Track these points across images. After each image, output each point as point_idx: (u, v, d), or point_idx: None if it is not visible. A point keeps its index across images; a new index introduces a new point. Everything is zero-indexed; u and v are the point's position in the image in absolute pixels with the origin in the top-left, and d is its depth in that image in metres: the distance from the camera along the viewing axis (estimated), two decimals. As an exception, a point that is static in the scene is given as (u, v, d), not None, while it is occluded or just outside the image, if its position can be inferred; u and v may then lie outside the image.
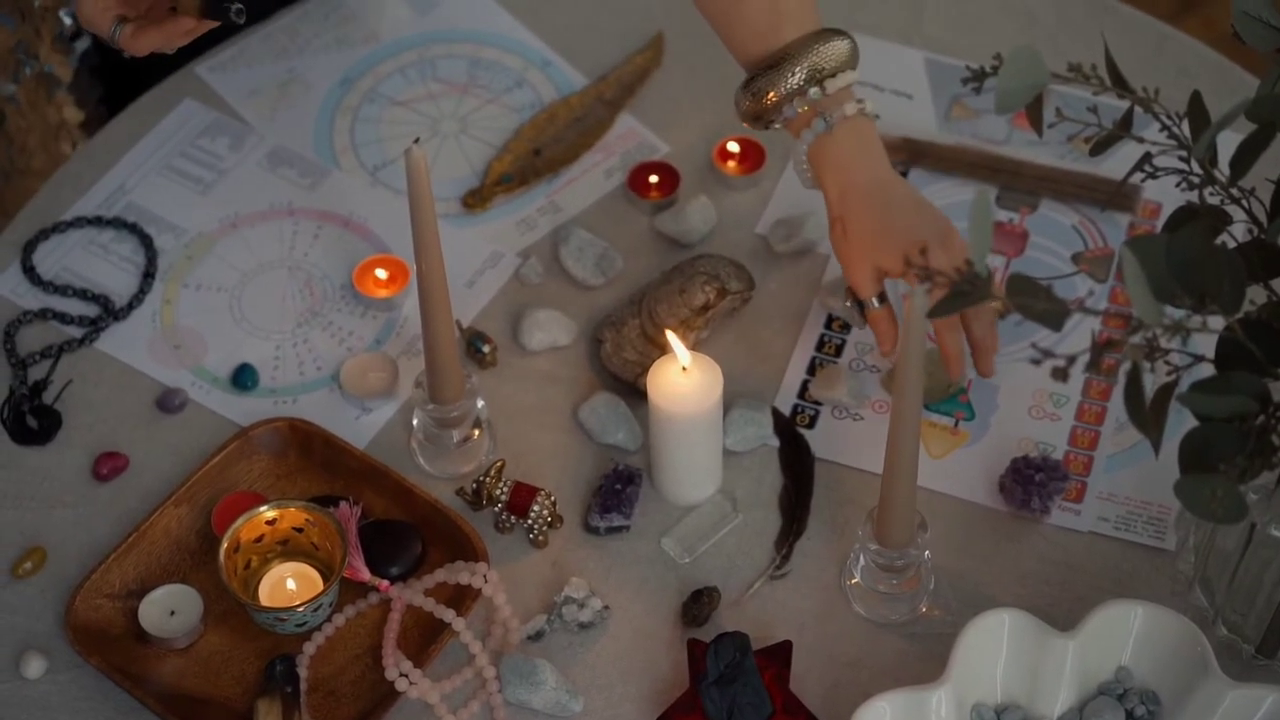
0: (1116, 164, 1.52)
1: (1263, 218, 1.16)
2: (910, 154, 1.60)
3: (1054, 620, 1.26)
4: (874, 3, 1.72)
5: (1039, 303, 1.05)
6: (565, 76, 1.67)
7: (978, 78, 1.14)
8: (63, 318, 1.50)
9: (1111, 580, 1.35)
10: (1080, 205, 1.56)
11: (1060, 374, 1.03)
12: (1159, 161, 1.18)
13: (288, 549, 1.35)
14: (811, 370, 1.47)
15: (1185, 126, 1.18)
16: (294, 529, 1.34)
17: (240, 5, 1.30)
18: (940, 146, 1.60)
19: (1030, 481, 1.38)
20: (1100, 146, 1.19)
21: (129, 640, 1.32)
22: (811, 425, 1.44)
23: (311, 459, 1.41)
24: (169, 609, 1.32)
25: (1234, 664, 1.29)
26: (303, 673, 1.30)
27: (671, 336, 1.33)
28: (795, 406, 1.45)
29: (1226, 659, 1.28)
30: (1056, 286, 1.51)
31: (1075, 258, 1.53)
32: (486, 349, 1.47)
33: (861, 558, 1.32)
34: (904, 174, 1.59)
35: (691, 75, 1.67)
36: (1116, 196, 1.54)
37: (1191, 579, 1.32)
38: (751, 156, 1.59)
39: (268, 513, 1.33)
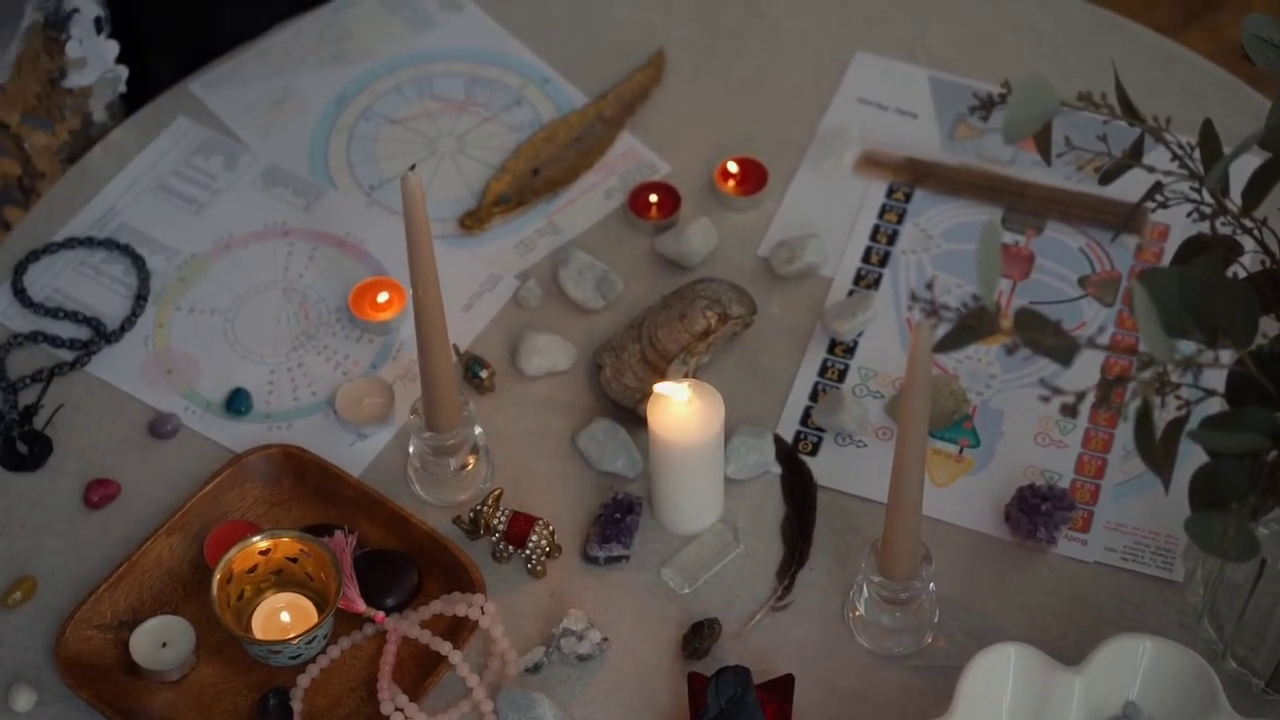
0: (1124, 185, 1.50)
1: (1275, 248, 1.14)
2: (914, 175, 1.58)
3: (1061, 653, 1.24)
4: (877, 21, 1.70)
5: (1048, 338, 1.03)
6: (565, 94, 1.65)
7: (985, 106, 1.12)
8: (54, 341, 1.48)
9: (1118, 612, 1.33)
10: (1087, 227, 1.54)
11: (1069, 410, 1.01)
12: (1170, 190, 1.16)
13: (282, 579, 1.33)
14: (814, 396, 1.45)
15: (1196, 154, 1.16)
16: (288, 559, 1.32)
17: None
18: (945, 167, 1.58)
19: (1036, 511, 1.36)
20: (1109, 176, 1.17)
21: (119, 672, 1.30)
22: (814, 452, 1.42)
23: (306, 487, 1.39)
24: (160, 641, 1.30)
25: (1244, 699, 1.27)
26: (297, 706, 1.28)
27: (663, 386, 1.31)
28: (798, 433, 1.43)
29: (1236, 694, 1.26)
30: (1063, 310, 1.49)
31: (1082, 281, 1.51)
32: (484, 374, 1.45)
33: (865, 589, 1.30)
34: (907, 196, 1.57)
35: (693, 93, 1.65)
36: (1124, 219, 1.52)
37: (1200, 612, 1.30)
38: (753, 177, 1.57)
39: (261, 543, 1.31)
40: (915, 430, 1.17)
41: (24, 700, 1.29)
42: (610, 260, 1.53)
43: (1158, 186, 1.15)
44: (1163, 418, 1.04)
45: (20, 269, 1.52)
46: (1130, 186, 1.27)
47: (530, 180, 1.58)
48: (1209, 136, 1.15)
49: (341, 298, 1.51)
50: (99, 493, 1.40)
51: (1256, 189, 1.13)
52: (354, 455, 1.42)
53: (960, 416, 1.43)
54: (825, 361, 1.47)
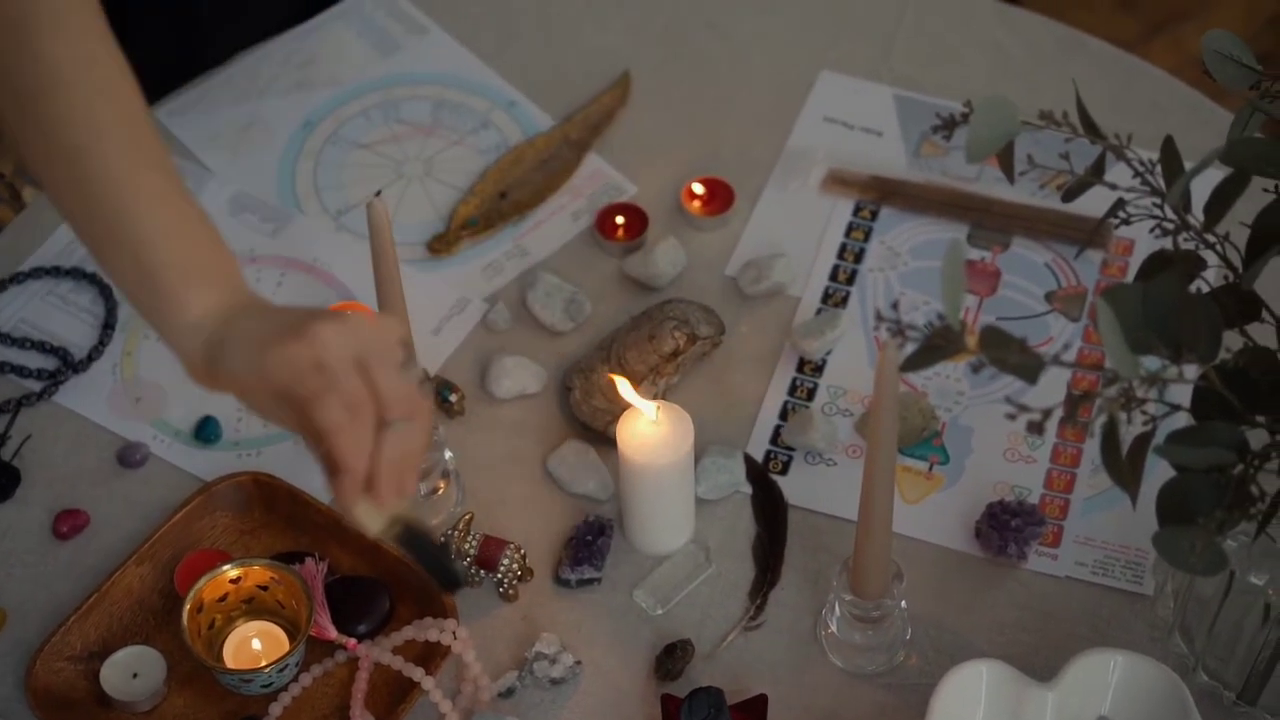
0: (1088, 200, 1.50)
1: (1237, 262, 1.15)
2: (880, 193, 1.58)
3: (1033, 669, 1.24)
4: (843, 39, 1.70)
5: (1013, 356, 1.03)
6: (531, 117, 1.65)
7: (948, 126, 1.12)
8: (21, 371, 1.48)
9: (1090, 627, 1.33)
10: (1052, 243, 1.54)
11: (1036, 428, 1.01)
12: (1132, 206, 1.16)
13: (253, 607, 1.32)
14: (784, 415, 1.45)
15: (1158, 170, 1.16)
16: (258, 587, 1.32)
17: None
18: (910, 184, 1.59)
19: (1006, 527, 1.36)
20: (1072, 194, 1.17)
21: (91, 704, 1.29)
22: (785, 471, 1.42)
23: (276, 514, 1.39)
24: (131, 671, 1.30)
25: (1216, 711, 1.27)
26: (269, 735, 1.28)
27: (628, 391, 1.30)
28: (768, 452, 1.43)
29: (1208, 706, 1.26)
30: (1030, 326, 1.49)
31: (1048, 296, 1.52)
32: (454, 398, 1.45)
33: (837, 608, 1.30)
34: (874, 214, 1.57)
35: (658, 115, 1.65)
36: (1088, 235, 1.53)
37: (1171, 625, 1.30)
38: (719, 197, 1.57)
39: (231, 571, 1.31)
40: (884, 448, 1.17)
41: (-5, 733, 1.29)
42: (578, 282, 1.53)
43: (1120, 203, 1.16)
44: (1129, 433, 1.05)
45: (-13, 299, 1.52)
46: (1095, 201, 1.27)
47: (498, 203, 1.58)
48: (1170, 153, 1.15)
49: (310, 324, 1.51)
50: (68, 523, 1.39)
51: (1218, 204, 1.13)
52: (324, 482, 1.42)
53: (929, 433, 1.43)
54: (794, 380, 1.47)
